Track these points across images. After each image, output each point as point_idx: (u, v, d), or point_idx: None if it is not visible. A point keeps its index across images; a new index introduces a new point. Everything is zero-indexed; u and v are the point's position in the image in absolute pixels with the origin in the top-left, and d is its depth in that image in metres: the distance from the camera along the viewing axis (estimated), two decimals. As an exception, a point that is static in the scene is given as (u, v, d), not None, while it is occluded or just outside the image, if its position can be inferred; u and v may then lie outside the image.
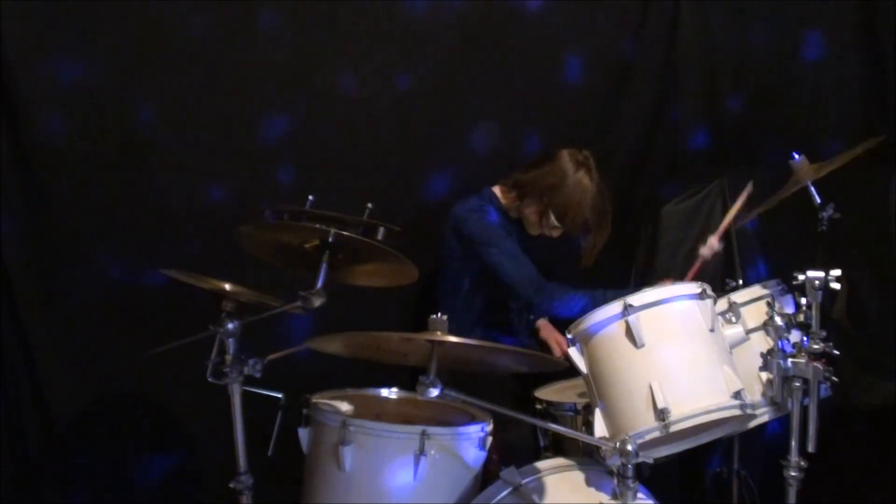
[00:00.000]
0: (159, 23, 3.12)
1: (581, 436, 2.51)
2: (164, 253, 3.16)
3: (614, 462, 2.22)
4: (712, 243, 2.97)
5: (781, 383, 2.36)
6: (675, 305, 2.33)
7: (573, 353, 2.37)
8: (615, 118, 3.67)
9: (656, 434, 2.21)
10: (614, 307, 2.30)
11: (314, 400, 2.53)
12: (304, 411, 2.51)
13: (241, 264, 2.78)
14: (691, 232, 3.52)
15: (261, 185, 3.28)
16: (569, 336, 2.39)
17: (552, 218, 3.01)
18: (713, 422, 2.29)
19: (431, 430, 2.40)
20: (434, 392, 2.08)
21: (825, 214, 2.63)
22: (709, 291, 2.36)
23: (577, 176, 2.98)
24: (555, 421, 2.70)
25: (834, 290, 2.36)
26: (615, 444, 2.21)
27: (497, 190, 3.17)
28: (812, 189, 2.64)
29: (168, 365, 2.94)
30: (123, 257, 3.17)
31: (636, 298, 2.29)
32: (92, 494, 3.19)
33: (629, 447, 2.18)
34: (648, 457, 2.23)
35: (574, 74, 3.59)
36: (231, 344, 2.33)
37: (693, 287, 2.36)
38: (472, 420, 2.55)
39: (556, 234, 3.07)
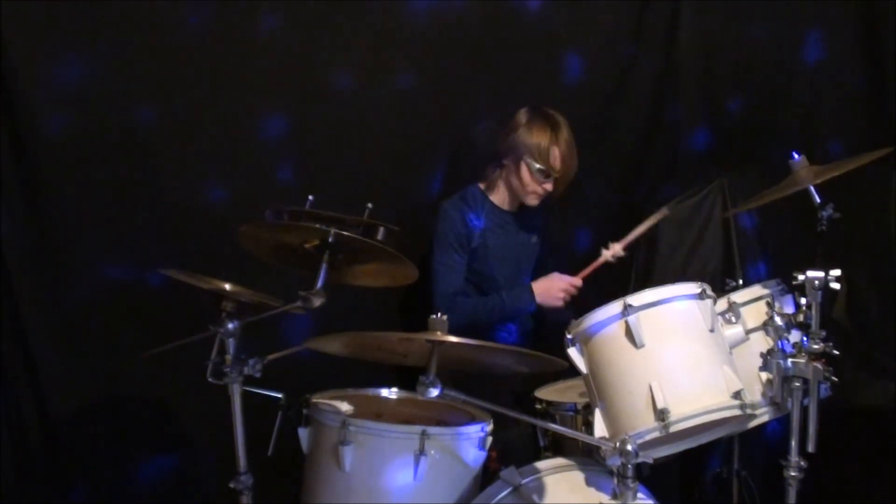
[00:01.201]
0: (159, 23, 3.12)
1: (581, 436, 2.51)
2: (164, 253, 3.16)
3: (614, 462, 2.22)
4: (616, 249, 3.02)
5: (781, 383, 2.36)
6: (675, 305, 2.33)
7: (573, 353, 2.37)
8: (615, 118, 3.67)
9: (656, 434, 2.21)
10: (614, 307, 2.30)
11: (314, 400, 2.54)
12: (304, 411, 2.51)
13: (241, 264, 2.78)
14: (691, 232, 3.52)
15: (261, 185, 3.28)
16: (568, 336, 2.39)
17: (532, 163, 3.06)
18: (713, 422, 2.29)
19: (431, 430, 2.41)
20: (434, 392, 2.09)
21: (825, 214, 2.62)
22: (709, 291, 2.36)
23: (532, 114, 3.13)
24: (555, 421, 2.70)
25: (834, 290, 2.36)
26: (615, 444, 2.21)
27: (482, 185, 3.21)
28: (812, 189, 2.64)
29: (168, 365, 2.94)
30: (123, 257, 3.16)
31: (636, 298, 2.29)
32: (92, 494, 3.18)
33: (629, 447, 2.18)
34: (648, 457, 2.24)
35: (574, 74, 3.59)
36: (231, 344, 2.33)
37: (693, 287, 2.36)
38: (472, 420, 2.55)
39: (548, 185, 3.10)
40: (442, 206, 3.15)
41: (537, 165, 3.06)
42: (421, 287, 3.03)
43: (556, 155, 3.07)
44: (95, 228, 3.14)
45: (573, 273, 3.09)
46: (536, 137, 3.07)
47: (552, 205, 3.27)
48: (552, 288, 3.06)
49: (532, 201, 3.16)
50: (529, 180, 3.09)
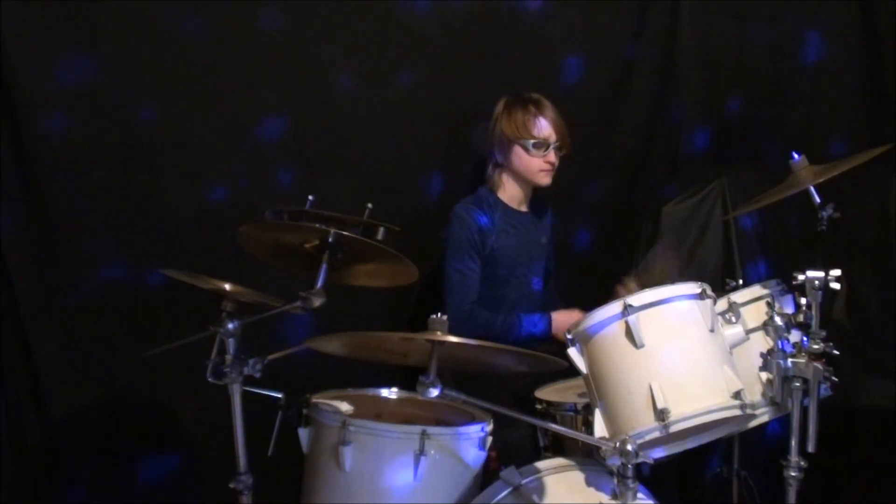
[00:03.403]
0: (160, 23, 3.12)
1: (581, 436, 2.50)
2: (164, 253, 3.16)
3: (614, 462, 2.22)
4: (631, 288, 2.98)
5: (781, 383, 2.36)
6: (675, 305, 2.32)
7: (573, 353, 2.37)
8: (615, 118, 3.67)
9: (656, 434, 2.21)
10: (614, 307, 2.30)
11: (314, 400, 2.53)
12: (304, 411, 2.51)
13: (241, 264, 2.78)
14: (691, 232, 3.52)
15: (261, 185, 3.28)
16: (569, 336, 2.39)
17: (525, 142, 3.07)
18: (713, 422, 2.28)
19: (431, 430, 2.41)
20: (434, 392, 2.08)
21: (825, 214, 2.62)
22: (709, 291, 2.36)
23: (508, 100, 3.15)
24: (555, 421, 2.70)
25: (834, 290, 2.36)
26: (615, 444, 2.21)
27: (489, 186, 3.19)
28: (812, 189, 2.64)
29: (168, 365, 2.94)
30: (123, 257, 3.17)
31: (636, 298, 2.29)
32: (92, 494, 3.18)
33: (629, 447, 2.18)
34: (648, 457, 2.23)
35: (574, 75, 3.59)
36: (231, 344, 2.33)
37: (693, 287, 2.35)
38: (472, 420, 2.55)
39: (550, 156, 3.09)
40: (455, 211, 3.11)
41: (530, 142, 3.06)
42: (424, 287, 3.04)
43: (542, 124, 3.08)
44: (95, 228, 3.14)
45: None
46: (518, 117, 3.09)
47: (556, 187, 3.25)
48: (570, 324, 3.02)
49: (544, 180, 3.13)
50: (530, 160, 3.09)
